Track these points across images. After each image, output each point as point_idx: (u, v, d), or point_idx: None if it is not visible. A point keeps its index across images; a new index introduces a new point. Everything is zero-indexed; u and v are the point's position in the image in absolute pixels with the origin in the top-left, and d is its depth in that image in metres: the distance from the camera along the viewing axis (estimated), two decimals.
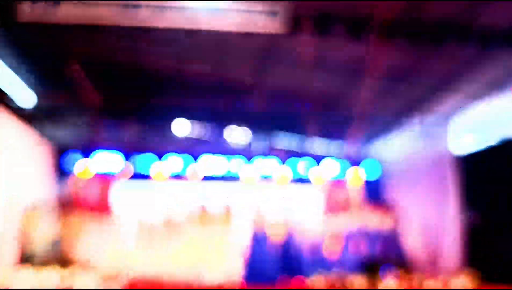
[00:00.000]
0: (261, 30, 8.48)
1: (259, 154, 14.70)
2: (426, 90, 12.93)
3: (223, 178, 14.70)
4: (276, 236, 8.45)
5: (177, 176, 14.60)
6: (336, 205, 14.31)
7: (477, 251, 9.22)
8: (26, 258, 9.33)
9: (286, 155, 14.84)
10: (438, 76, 12.34)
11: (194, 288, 7.35)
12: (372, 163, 15.08)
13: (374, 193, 14.44)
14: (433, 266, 10.33)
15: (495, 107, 12.56)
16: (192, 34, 8.82)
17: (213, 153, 14.75)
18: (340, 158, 14.70)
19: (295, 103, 11.72)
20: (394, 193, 12.76)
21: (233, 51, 10.17)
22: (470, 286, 7.12)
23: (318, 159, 14.81)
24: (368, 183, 14.78)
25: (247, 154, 14.79)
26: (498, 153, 10.78)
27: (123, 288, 6.66)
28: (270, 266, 8.05)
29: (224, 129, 14.50)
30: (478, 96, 12.86)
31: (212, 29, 8.55)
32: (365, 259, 8.16)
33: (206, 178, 14.56)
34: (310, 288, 6.84)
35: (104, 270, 7.38)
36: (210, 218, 9.61)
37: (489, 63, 10.50)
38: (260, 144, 14.86)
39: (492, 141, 11.55)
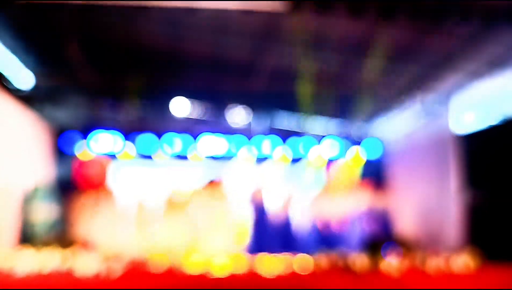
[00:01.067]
0: (261, 8, 8.33)
1: (259, 134, 14.59)
2: (427, 68, 12.80)
3: (223, 157, 14.62)
4: (276, 214, 8.37)
5: (178, 156, 14.52)
6: (337, 184, 14.27)
7: (479, 230, 9.19)
8: (26, 240, 9.28)
9: (286, 135, 14.74)
10: (439, 54, 12.21)
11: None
12: (373, 142, 14.99)
13: (375, 172, 14.39)
14: (434, 244, 10.31)
15: (497, 85, 12.45)
16: (191, 12, 8.66)
17: (213, 133, 14.63)
18: (341, 138, 14.61)
19: (295, 82, 11.59)
20: (396, 172, 12.69)
21: (233, 29, 10.01)
22: (472, 264, 7.07)
23: (318, 138, 14.71)
24: (369, 162, 14.74)
25: (247, 133, 14.69)
26: (499, 132, 10.70)
27: (124, 268, 6.59)
28: (272, 244, 8.00)
29: (223, 109, 14.38)
30: (479, 74, 12.73)
31: (211, 7, 8.39)
32: (366, 238, 8.11)
33: (206, 158, 14.49)
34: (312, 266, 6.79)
35: (105, 250, 7.32)
36: (211, 197, 9.50)
37: (491, 41, 10.37)
38: (260, 124, 14.74)
39: (494, 119, 11.47)
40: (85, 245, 12.57)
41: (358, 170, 14.15)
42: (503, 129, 10.64)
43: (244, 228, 8.81)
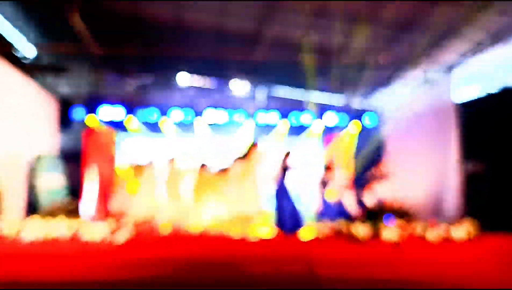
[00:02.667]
0: None
1: (261, 107, 14.46)
2: (428, 39, 12.57)
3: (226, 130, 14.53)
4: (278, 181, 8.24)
5: (182, 128, 14.43)
6: (337, 155, 14.21)
7: (477, 200, 9.12)
8: (33, 210, 9.25)
9: (287, 107, 14.60)
10: (440, 25, 11.98)
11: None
12: (373, 114, 14.87)
13: (375, 142, 14.28)
14: (434, 215, 10.28)
15: (498, 57, 12.27)
16: None
17: (216, 106, 14.44)
18: (341, 110, 14.46)
19: (297, 54, 11.41)
20: (395, 143, 12.59)
21: None
22: (470, 234, 7.02)
23: (320, 111, 14.57)
24: (368, 131, 14.63)
25: (249, 106, 14.55)
26: (498, 101, 10.59)
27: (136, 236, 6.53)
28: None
29: (226, 81, 14.19)
30: (481, 45, 12.52)
31: None
32: (367, 208, 8.06)
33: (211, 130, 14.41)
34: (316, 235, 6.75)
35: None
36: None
37: (492, 12, 10.17)
38: (262, 96, 14.58)
39: (493, 89, 11.35)
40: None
41: (356, 141, 14.09)
42: (501, 98, 10.54)
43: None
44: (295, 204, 7.89)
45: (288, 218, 7.75)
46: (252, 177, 8.29)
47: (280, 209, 7.80)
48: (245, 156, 8.43)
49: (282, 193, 7.87)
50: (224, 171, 9.05)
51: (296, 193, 8.10)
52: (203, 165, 9.35)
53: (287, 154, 8.16)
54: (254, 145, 8.57)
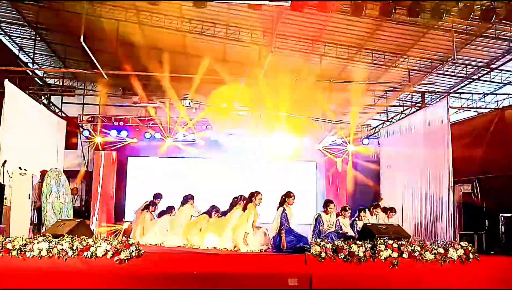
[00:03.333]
0: None
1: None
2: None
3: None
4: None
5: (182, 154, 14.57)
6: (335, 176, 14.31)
7: (472, 221, 9.17)
8: (39, 226, 9.31)
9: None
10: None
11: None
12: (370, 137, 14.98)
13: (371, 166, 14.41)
14: (429, 235, 10.30)
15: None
16: None
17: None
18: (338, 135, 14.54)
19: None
20: (391, 163, 12.63)
21: None
22: (467, 255, 7.05)
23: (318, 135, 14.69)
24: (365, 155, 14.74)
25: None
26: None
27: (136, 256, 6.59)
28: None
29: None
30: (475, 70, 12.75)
31: None
32: (365, 227, 8.08)
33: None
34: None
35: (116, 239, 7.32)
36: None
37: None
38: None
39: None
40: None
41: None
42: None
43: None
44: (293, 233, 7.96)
45: (288, 238, 7.82)
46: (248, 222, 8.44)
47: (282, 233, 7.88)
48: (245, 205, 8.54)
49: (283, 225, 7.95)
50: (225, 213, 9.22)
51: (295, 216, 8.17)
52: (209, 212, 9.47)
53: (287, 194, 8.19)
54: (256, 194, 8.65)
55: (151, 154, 14.51)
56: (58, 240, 6.80)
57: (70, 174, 13.01)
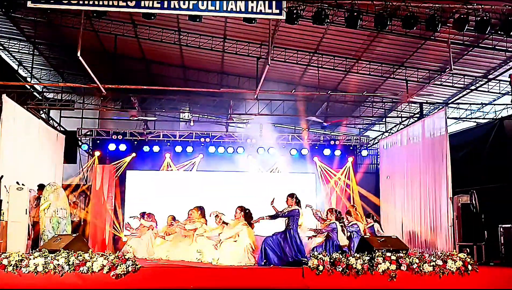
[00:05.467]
0: None
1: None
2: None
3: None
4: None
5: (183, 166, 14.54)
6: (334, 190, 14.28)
7: (471, 232, 9.11)
8: (37, 240, 9.27)
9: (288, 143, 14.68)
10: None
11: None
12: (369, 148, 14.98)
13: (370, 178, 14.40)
14: (429, 246, 10.25)
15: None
16: None
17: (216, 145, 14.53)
18: (338, 146, 14.52)
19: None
20: (390, 174, 12.60)
21: None
22: (466, 265, 7.00)
23: (317, 147, 14.69)
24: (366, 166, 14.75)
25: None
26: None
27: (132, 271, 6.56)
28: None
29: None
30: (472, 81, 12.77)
31: None
32: (362, 240, 8.05)
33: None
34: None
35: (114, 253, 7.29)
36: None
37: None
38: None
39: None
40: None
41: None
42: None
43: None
44: (295, 239, 7.91)
45: (288, 251, 7.77)
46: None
47: (283, 244, 7.83)
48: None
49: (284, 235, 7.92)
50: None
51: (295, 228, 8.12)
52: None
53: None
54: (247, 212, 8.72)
55: (149, 168, 14.49)
56: (54, 256, 6.80)
57: (69, 188, 12.99)
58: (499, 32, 9.13)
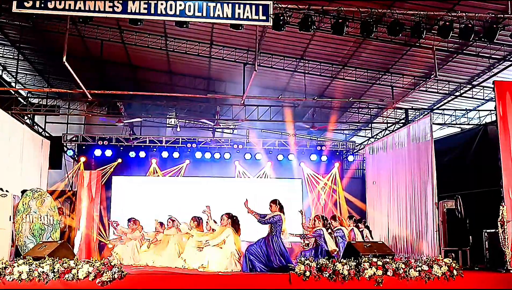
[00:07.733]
0: None
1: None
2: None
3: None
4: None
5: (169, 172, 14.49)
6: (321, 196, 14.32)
7: (456, 237, 9.21)
8: (21, 248, 9.15)
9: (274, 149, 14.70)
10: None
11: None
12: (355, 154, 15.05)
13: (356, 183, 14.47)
14: (415, 251, 10.32)
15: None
16: None
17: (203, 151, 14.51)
18: (324, 152, 14.57)
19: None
20: (375, 180, 12.67)
21: None
22: (451, 270, 7.07)
23: (304, 152, 14.72)
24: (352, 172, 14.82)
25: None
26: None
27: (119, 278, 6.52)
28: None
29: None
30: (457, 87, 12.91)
31: None
32: (348, 246, 8.08)
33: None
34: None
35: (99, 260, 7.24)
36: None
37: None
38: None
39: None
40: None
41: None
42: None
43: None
44: (278, 244, 7.91)
45: (272, 258, 7.78)
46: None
47: (267, 250, 7.82)
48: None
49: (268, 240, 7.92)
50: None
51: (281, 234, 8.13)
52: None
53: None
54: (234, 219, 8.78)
55: (136, 174, 14.42)
56: (39, 263, 6.72)
57: (54, 194, 12.87)
58: (482, 39, 9.26)
